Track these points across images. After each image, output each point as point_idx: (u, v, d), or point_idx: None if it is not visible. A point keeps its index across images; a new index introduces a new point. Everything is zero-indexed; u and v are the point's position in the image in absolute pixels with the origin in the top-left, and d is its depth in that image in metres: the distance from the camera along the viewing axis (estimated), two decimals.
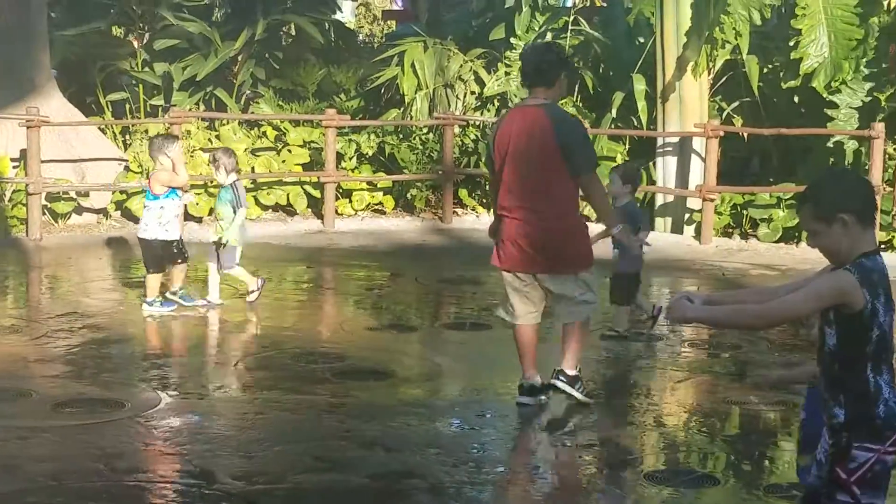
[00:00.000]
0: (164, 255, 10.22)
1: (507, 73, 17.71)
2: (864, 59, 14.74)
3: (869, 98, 14.76)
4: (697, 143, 15.29)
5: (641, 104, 15.92)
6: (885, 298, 3.99)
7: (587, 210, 11.05)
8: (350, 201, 16.50)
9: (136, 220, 15.09)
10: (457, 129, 16.84)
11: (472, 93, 17.86)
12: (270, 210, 16.24)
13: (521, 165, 7.34)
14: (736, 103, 16.13)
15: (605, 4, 19.57)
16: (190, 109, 17.28)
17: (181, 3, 18.91)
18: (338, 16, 22.06)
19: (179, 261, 10.28)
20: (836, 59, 14.60)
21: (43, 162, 14.38)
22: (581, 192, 7.50)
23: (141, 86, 18.31)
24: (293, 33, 20.41)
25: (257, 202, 15.96)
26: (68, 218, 15.15)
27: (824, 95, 14.82)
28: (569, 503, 6.20)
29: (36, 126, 14.18)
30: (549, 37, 17.86)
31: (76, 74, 17.98)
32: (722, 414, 7.64)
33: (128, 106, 18.20)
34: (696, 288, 12.27)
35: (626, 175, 9.51)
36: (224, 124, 16.74)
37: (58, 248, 13.63)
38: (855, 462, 4.01)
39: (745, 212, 15.14)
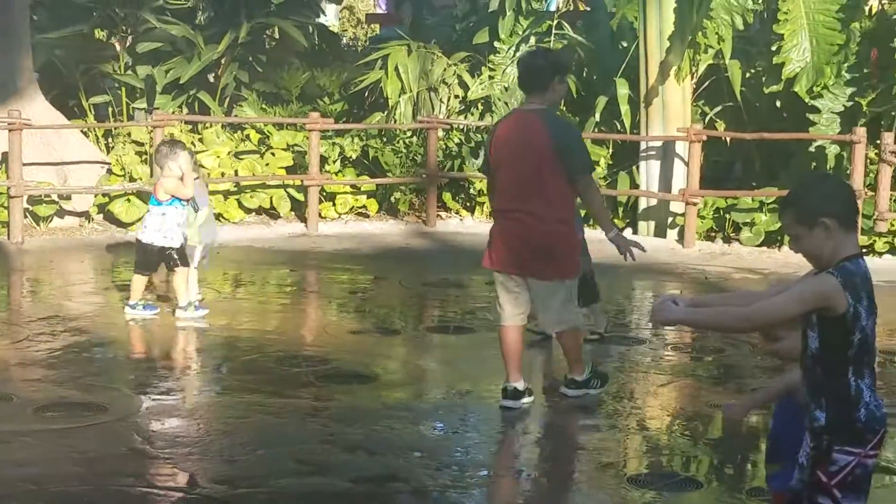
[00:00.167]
0: (156, 260, 10.08)
1: (490, 77, 17.74)
2: (846, 64, 14.79)
3: (850, 103, 14.81)
4: (680, 148, 15.33)
5: (625, 108, 15.95)
6: (868, 302, 4.00)
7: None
8: (334, 205, 16.49)
9: (118, 223, 15.10)
10: (440, 133, 16.85)
11: (456, 96, 17.88)
12: (254, 213, 16.22)
13: (516, 169, 7.41)
14: (718, 108, 16.17)
15: (588, 9, 19.59)
16: (173, 112, 17.23)
17: (164, 6, 18.84)
18: (321, 19, 22.01)
19: (177, 266, 10.08)
20: (818, 63, 14.64)
21: (25, 165, 14.33)
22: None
23: (123, 89, 18.26)
24: (277, 37, 20.37)
25: (240, 205, 15.94)
26: (50, 221, 15.10)
27: (806, 100, 14.87)
28: None
29: (18, 129, 14.13)
30: (532, 41, 17.89)
31: (58, 77, 17.92)
32: (705, 417, 7.65)
33: (110, 109, 18.15)
34: (679, 291, 12.29)
35: None
36: (207, 127, 16.71)
37: (39, 252, 13.58)
38: (836, 465, 4.02)
39: (727, 216, 15.19)
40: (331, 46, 21.08)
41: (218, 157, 16.00)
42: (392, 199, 16.83)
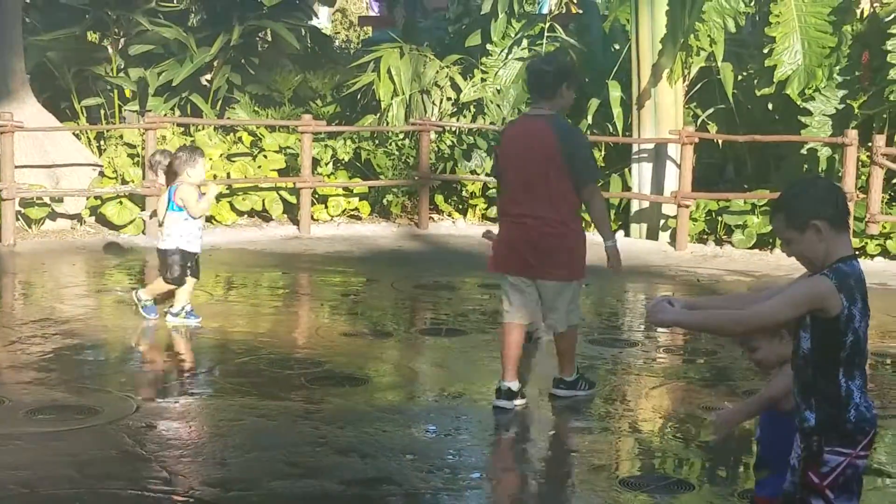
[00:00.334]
0: (182, 264, 9.91)
1: (482, 80, 17.74)
2: (838, 67, 14.83)
3: (842, 105, 14.84)
4: (672, 150, 15.35)
5: (617, 111, 15.96)
6: (862, 304, 4.01)
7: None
8: (326, 207, 16.49)
9: (110, 225, 15.08)
10: (433, 135, 16.85)
11: (449, 99, 17.88)
12: (246, 216, 16.21)
13: (524, 174, 7.52)
14: (711, 110, 16.19)
15: (580, 11, 19.61)
16: (165, 115, 17.22)
17: (156, 8, 18.84)
18: (314, 21, 22.02)
19: (193, 274, 10.01)
20: (810, 66, 14.67)
21: (17, 167, 14.32)
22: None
23: (116, 91, 18.24)
24: (269, 39, 20.37)
25: (233, 208, 15.93)
26: (42, 224, 15.09)
27: (798, 103, 14.90)
28: None
29: (10, 131, 14.11)
30: (524, 43, 17.90)
31: (51, 80, 17.90)
32: (697, 420, 7.65)
33: (102, 111, 18.13)
34: (672, 293, 12.31)
35: None
36: (200, 130, 16.71)
37: (31, 254, 13.56)
38: (827, 466, 4.03)
39: (719, 218, 15.20)
40: (323, 49, 21.09)
41: (210, 159, 15.95)
42: (384, 201, 16.83)
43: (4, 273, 12.63)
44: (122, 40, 18.96)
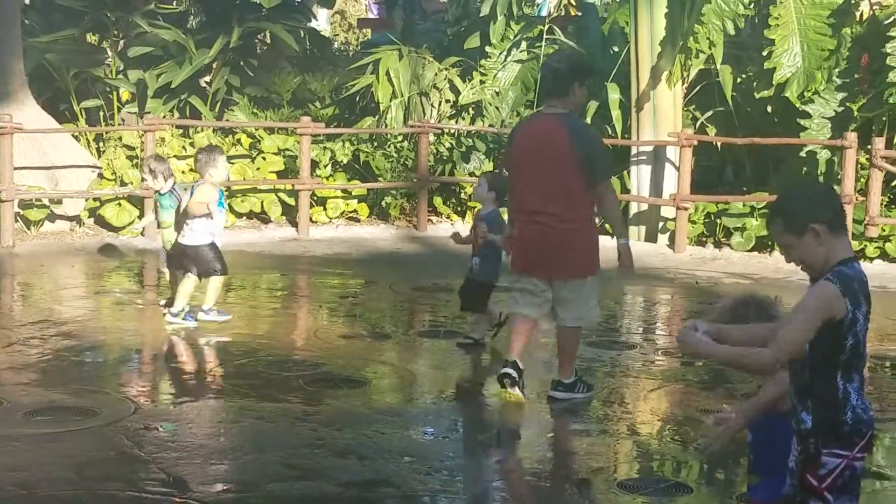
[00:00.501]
0: (212, 258, 9.92)
1: (481, 82, 17.75)
2: (837, 70, 14.83)
3: (841, 108, 14.85)
4: (671, 152, 15.35)
5: (616, 113, 15.96)
6: (867, 308, 3.99)
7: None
8: (324, 209, 16.49)
9: (109, 227, 15.08)
10: (431, 138, 16.85)
11: (447, 101, 17.89)
12: (245, 217, 16.21)
13: (538, 172, 7.57)
14: (710, 112, 16.19)
15: (580, 14, 19.62)
16: (164, 117, 17.22)
17: (155, 10, 18.85)
18: (313, 24, 22.04)
19: (212, 274, 10.03)
20: (809, 69, 14.68)
21: (16, 169, 14.32)
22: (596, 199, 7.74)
23: (115, 93, 18.24)
24: (268, 41, 20.38)
25: (231, 210, 15.91)
26: (41, 225, 15.08)
27: (797, 105, 14.90)
28: None
29: (9, 133, 14.11)
30: (523, 46, 17.91)
31: (50, 81, 17.90)
32: (695, 422, 7.65)
33: (102, 113, 18.13)
34: (670, 296, 12.32)
35: (494, 182, 9.44)
36: (198, 132, 16.70)
37: (30, 256, 13.56)
38: (825, 468, 4.02)
39: (718, 221, 15.20)
40: (322, 51, 21.10)
41: None
42: (383, 203, 16.83)
43: (3, 274, 12.63)
44: (121, 42, 18.97)
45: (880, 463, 6.75)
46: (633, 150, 15.78)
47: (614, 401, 8.11)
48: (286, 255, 14.23)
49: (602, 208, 7.86)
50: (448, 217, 16.84)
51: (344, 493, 6.07)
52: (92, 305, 11.00)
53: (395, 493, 6.13)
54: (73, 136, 16.38)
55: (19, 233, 14.52)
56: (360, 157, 16.97)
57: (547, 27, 17.98)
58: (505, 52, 18.01)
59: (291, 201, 16.09)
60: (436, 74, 17.91)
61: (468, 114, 17.76)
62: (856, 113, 14.74)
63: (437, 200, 16.90)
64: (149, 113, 17.05)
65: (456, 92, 17.89)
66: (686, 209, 14.80)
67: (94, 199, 15.32)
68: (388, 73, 17.86)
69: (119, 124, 17.71)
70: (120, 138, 16.30)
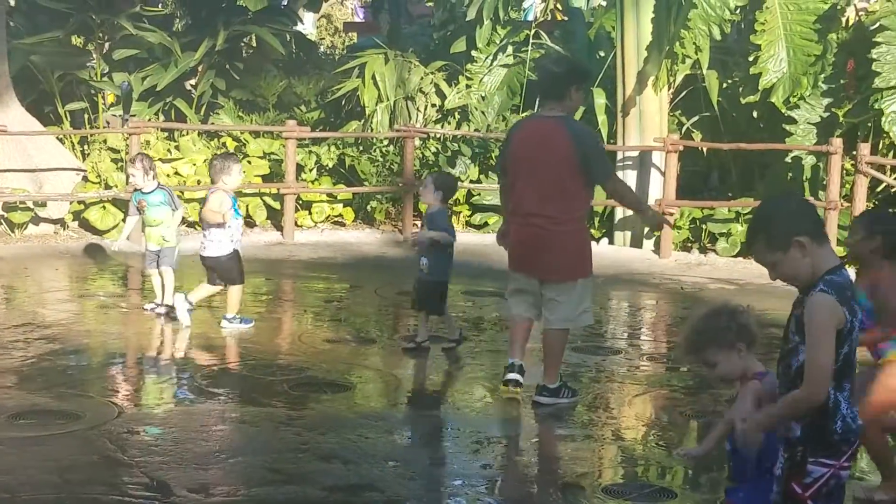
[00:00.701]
0: (232, 266, 9.99)
1: (467, 86, 17.75)
2: (823, 75, 14.87)
3: (827, 114, 14.89)
4: (657, 158, 15.36)
5: (602, 118, 15.98)
6: (860, 314, 3.98)
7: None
8: (310, 213, 16.47)
9: (93, 230, 15.03)
10: (417, 142, 16.85)
11: (433, 105, 17.88)
12: None
13: (537, 175, 7.62)
14: (695, 118, 16.22)
15: (566, 18, 19.64)
16: (149, 119, 17.18)
17: (141, 13, 18.82)
18: (299, 27, 22.01)
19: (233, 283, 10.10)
20: (795, 74, 14.71)
21: (0, 171, 14.27)
22: (610, 196, 8.12)
23: (100, 95, 18.19)
24: (254, 44, 20.35)
25: None
26: (25, 228, 15.03)
27: (783, 111, 14.94)
28: None
29: None
30: (509, 50, 17.91)
31: (34, 84, 17.84)
32: (680, 427, 7.65)
33: (86, 116, 18.09)
34: (655, 302, 12.32)
35: (439, 182, 9.51)
36: (184, 135, 16.67)
37: (14, 259, 13.51)
38: (810, 477, 4.01)
39: (703, 226, 15.23)
40: (308, 55, 21.09)
41: (194, 164, 15.95)
42: (368, 207, 16.81)
43: None
44: (106, 44, 18.92)
45: (864, 469, 6.74)
46: (619, 156, 15.79)
47: (599, 406, 8.10)
48: (271, 259, 14.20)
49: (619, 198, 8.12)
50: None
51: (328, 498, 6.05)
52: (76, 309, 10.96)
53: (380, 497, 6.11)
54: (57, 138, 16.32)
55: (3, 235, 14.47)
56: (346, 162, 16.96)
57: (533, 32, 18.00)
58: (491, 57, 18.02)
59: (277, 205, 16.07)
60: (422, 78, 17.91)
61: (454, 118, 17.76)
62: (841, 119, 14.78)
63: (423, 205, 16.85)
64: (134, 116, 17.00)
65: (442, 96, 17.89)
66: (672, 214, 14.82)
67: (79, 202, 15.28)
68: (373, 77, 17.86)
69: (104, 126, 17.65)
70: (105, 141, 16.26)
